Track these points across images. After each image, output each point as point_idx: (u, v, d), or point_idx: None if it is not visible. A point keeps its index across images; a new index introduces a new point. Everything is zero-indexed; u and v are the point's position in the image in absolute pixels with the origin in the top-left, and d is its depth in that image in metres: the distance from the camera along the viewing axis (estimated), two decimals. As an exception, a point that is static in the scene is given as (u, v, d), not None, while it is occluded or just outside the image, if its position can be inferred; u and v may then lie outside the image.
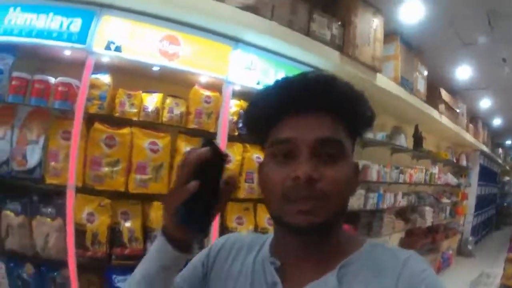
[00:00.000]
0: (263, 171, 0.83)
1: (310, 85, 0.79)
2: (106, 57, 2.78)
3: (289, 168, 0.76)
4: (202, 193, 0.73)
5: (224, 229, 3.13)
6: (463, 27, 4.62)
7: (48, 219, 2.55)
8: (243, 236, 0.98)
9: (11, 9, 2.58)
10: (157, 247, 0.80)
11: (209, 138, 0.78)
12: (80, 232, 2.61)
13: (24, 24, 2.57)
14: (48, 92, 2.65)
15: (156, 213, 2.91)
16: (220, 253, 0.93)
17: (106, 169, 2.77)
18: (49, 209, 2.57)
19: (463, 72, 6.12)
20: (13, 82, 2.60)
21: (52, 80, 2.68)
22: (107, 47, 2.70)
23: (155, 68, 2.98)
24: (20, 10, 2.59)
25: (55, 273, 2.58)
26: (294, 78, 0.81)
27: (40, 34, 2.58)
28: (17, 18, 2.58)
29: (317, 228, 0.76)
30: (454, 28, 4.62)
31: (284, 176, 0.76)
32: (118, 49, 2.73)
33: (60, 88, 2.67)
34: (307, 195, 0.74)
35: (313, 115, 0.79)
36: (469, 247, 9.49)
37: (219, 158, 0.76)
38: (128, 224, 2.85)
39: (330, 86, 0.79)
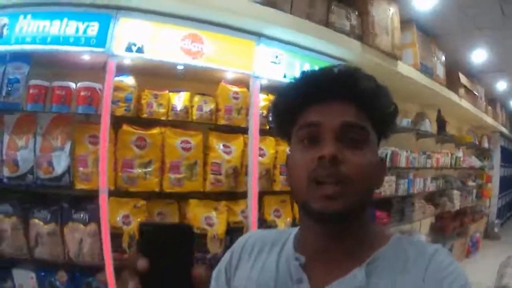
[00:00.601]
0: (290, 160, 0.77)
1: (337, 74, 0.75)
2: (128, 59, 2.53)
3: (314, 151, 0.71)
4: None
5: (262, 222, 2.88)
6: (476, 12, 4.26)
7: (81, 225, 2.30)
8: (265, 233, 0.90)
9: (21, 17, 2.34)
10: None
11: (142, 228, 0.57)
12: (116, 235, 2.37)
13: (37, 32, 2.32)
14: (70, 97, 2.42)
15: (193, 211, 2.70)
16: (243, 251, 0.85)
17: (138, 170, 2.55)
18: (81, 215, 2.31)
19: (479, 56, 5.72)
20: (31, 91, 2.37)
21: (72, 85, 2.45)
22: (128, 49, 2.45)
23: (180, 67, 2.72)
24: (31, 17, 2.34)
25: (90, 279, 2.34)
26: (321, 69, 0.78)
27: (56, 40, 2.33)
28: (29, 25, 2.33)
29: (341, 216, 0.70)
30: (467, 14, 4.28)
31: (310, 158, 0.71)
32: (140, 50, 2.47)
33: (82, 93, 2.43)
34: (331, 174, 0.68)
35: (339, 102, 0.74)
36: (495, 229, 8.90)
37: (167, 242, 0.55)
38: (166, 223, 2.56)
39: (355, 77, 0.75)
